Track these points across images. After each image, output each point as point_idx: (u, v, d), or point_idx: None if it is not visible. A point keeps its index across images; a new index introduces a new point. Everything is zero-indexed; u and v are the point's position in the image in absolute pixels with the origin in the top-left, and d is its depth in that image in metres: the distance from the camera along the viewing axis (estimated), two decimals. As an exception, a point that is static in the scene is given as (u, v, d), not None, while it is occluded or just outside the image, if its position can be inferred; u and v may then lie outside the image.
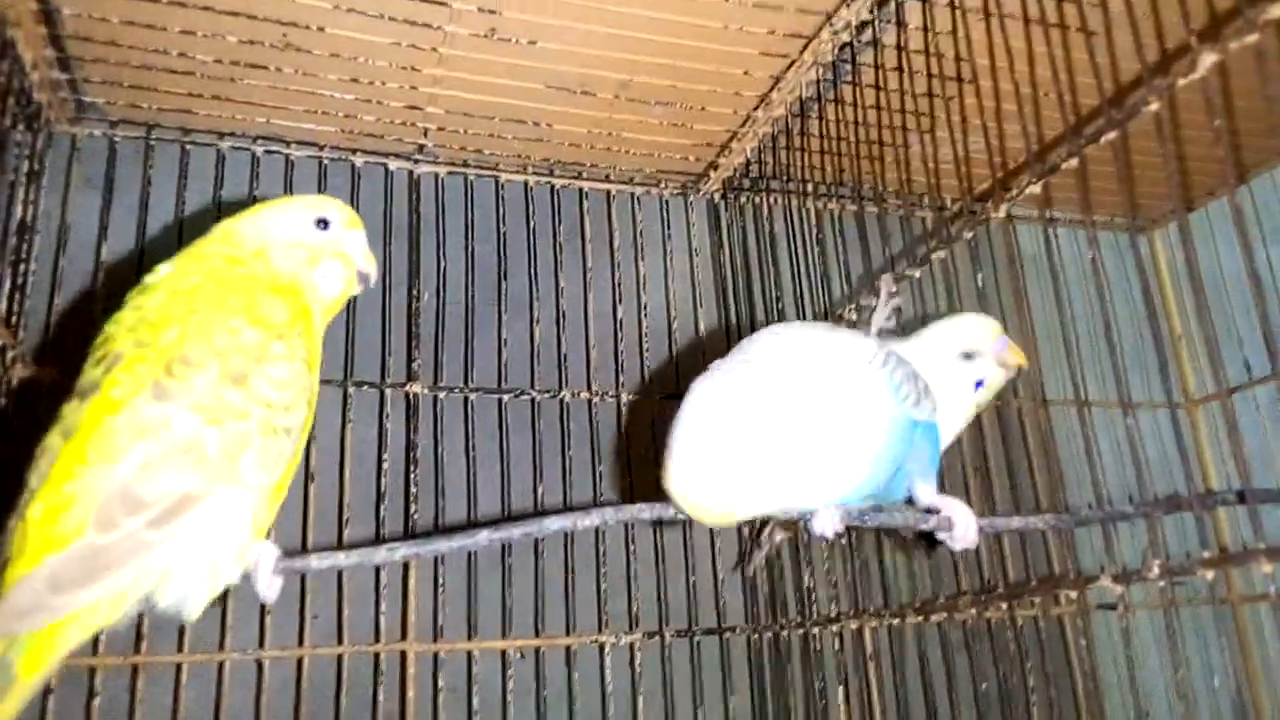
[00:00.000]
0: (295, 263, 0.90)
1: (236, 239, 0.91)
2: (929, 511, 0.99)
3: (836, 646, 1.64)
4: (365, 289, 0.98)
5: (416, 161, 1.81)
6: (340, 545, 1.53)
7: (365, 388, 1.65)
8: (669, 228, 1.99)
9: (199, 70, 1.52)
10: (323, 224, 0.93)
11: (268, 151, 1.71)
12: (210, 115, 1.64)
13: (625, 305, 1.90)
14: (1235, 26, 0.90)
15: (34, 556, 0.69)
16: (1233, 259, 2.02)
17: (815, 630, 1.72)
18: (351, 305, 1.65)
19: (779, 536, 1.48)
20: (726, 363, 0.93)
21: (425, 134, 1.75)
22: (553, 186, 1.90)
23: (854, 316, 1.57)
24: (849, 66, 1.59)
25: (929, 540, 1.06)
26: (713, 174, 1.96)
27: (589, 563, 1.68)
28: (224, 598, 0.83)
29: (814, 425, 0.85)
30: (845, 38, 1.55)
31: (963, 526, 0.96)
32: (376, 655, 1.52)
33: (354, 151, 1.77)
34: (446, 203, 1.81)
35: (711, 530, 1.82)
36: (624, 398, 1.82)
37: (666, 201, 2.00)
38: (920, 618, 1.36)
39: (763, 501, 0.85)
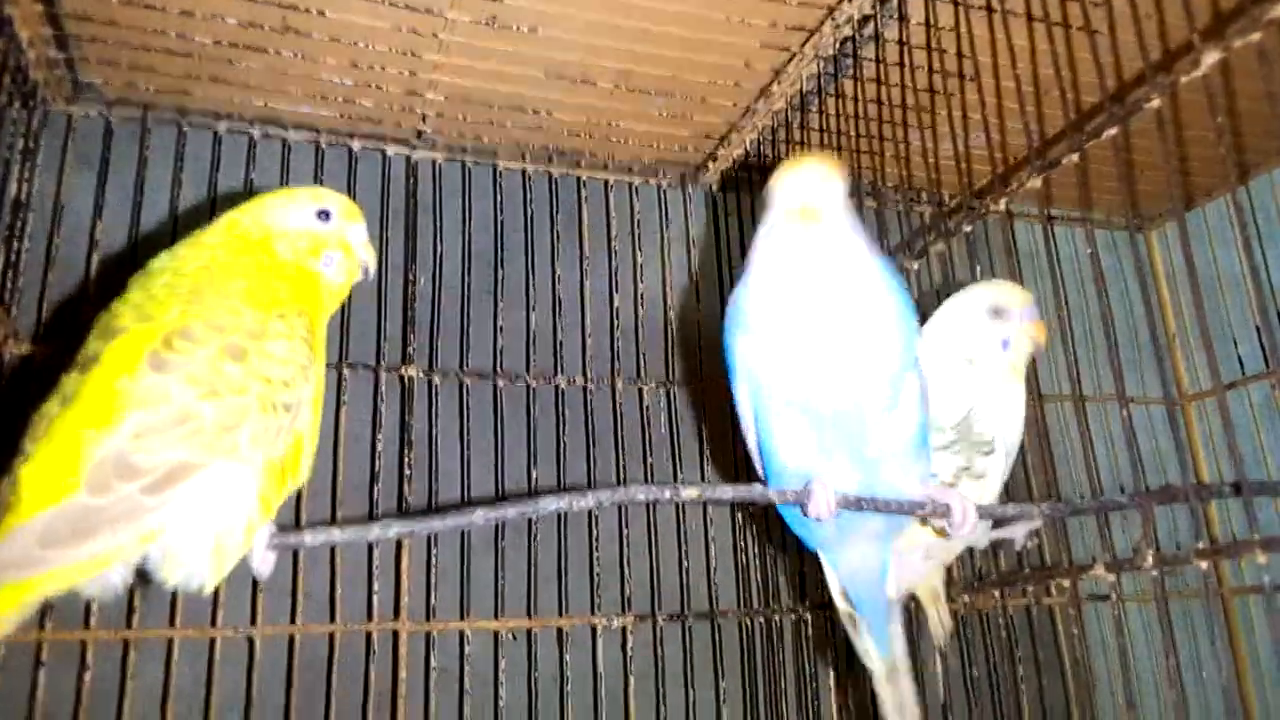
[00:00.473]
0: (298, 252, 0.92)
1: (240, 229, 0.92)
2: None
3: (828, 632, 1.65)
4: (365, 280, 1.00)
5: (414, 147, 1.80)
6: (334, 524, 1.53)
7: (361, 370, 1.65)
8: (666, 218, 1.99)
9: (197, 51, 1.52)
10: (324, 215, 0.95)
11: (265, 135, 1.71)
12: (208, 97, 1.64)
13: (621, 294, 1.90)
14: (1239, 25, 0.91)
15: (25, 512, 0.70)
16: (1228, 259, 2.04)
17: (807, 615, 1.73)
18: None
19: None
20: None
21: (424, 120, 1.75)
22: (551, 175, 1.90)
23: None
24: (850, 60, 1.59)
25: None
26: (711, 165, 1.96)
27: (582, 545, 1.69)
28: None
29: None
30: (847, 31, 1.55)
31: (959, 513, 0.96)
32: (369, 634, 1.52)
33: (352, 136, 1.76)
34: (444, 189, 1.81)
35: (705, 514, 1.83)
36: (619, 385, 1.82)
37: (664, 192, 2.00)
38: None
39: None
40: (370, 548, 1.56)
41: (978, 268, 1.33)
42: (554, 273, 1.86)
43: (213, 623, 1.46)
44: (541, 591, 1.64)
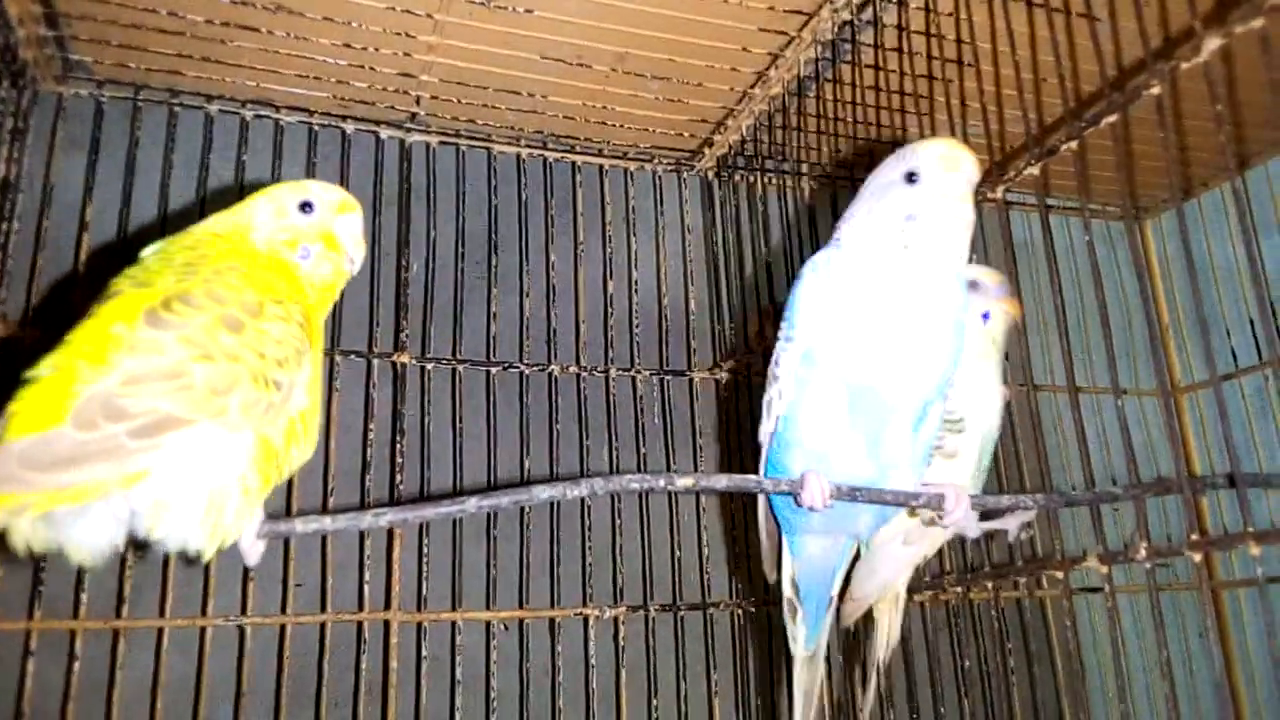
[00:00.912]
0: (272, 245, 0.92)
1: (223, 224, 0.93)
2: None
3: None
4: (352, 272, 0.98)
5: (408, 130, 1.79)
6: (326, 512, 1.52)
7: (352, 357, 1.64)
8: (662, 204, 1.98)
9: (189, 30, 1.50)
10: (306, 207, 0.94)
11: (257, 116, 1.69)
12: (199, 77, 1.62)
13: (616, 281, 1.89)
14: (1241, 10, 0.90)
15: (10, 435, 0.71)
16: (1223, 251, 2.04)
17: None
18: (340, 274, 1.64)
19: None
20: None
21: (418, 102, 1.73)
22: (545, 159, 1.89)
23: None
24: (848, 45, 1.58)
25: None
26: (707, 151, 1.95)
27: (574, 536, 1.68)
28: (205, 563, 0.83)
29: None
30: (845, 16, 1.54)
31: (953, 504, 0.96)
32: (360, 624, 1.52)
33: (345, 118, 1.74)
34: (438, 173, 1.79)
35: (698, 504, 1.82)
36: (613, 373, 1.81)
37: (660, 177, 1.99)
38: (905, 596, 1.37)
39: None
40: (362, 537, 1.55)
41: (974, 256, 1.32)
42: (548, 259, 1.85)
43: (203, 612, 1.45)
44: (534, 582, 1.64)
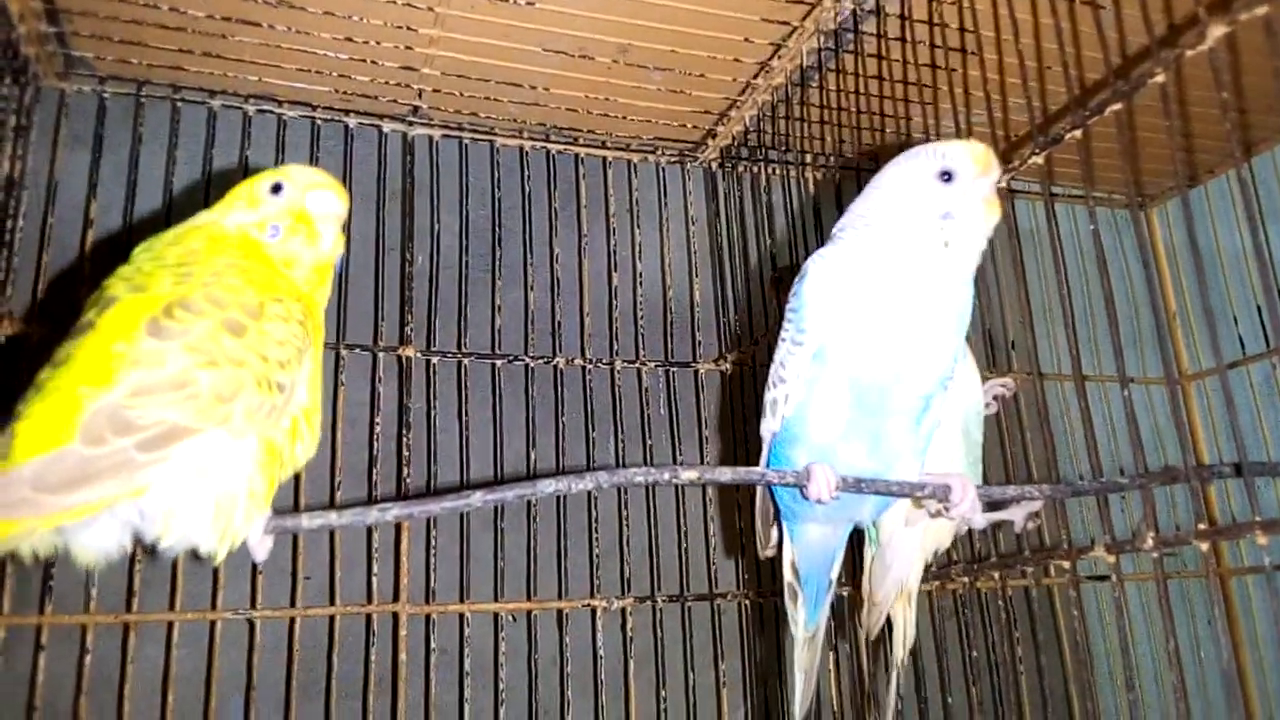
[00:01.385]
0: (244, 227, 0.91)
1: (204, 216, 0.93)
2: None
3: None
4: (330, 249, 0.94)
5: (411, 124, 1.79)
6: (332, 507, 1.52)
7: (357, 351, 1.64)
8: (665, 196, 1.98)
9: (190, 26, 1.50)
10: (276, 189, 0.93)
11: (260, 111, 1.69)
12: (202, 73, 1.62)
13: (620, 273, 1.89)
14: (1245, -1, 0.89)
15: (18, 459, 0.71)
16: (1229, 238, 2.03)
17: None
18: (344, 268, 1.64)
19: None
20: None
21: (420, 95, 1.73)
22: (548, 152, 1.88)
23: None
24: (851, 35, 1.57)
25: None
26: (711, 142, 1.94)
27: (581, 527, 1.69)
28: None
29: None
30: (849, 5, 1.53)
31: (959, 494, 0.96)
32: (369, 616, 1.52)
33: (347, 112, 1.74)
34: (441, 166, 1.79)
35: (704, 496, 1.82)
36: (618, 365, 1.81)
37: (663, 169, 1.99)
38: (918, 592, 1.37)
39: None
40: (369, 530, 1.55)
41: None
42: (552, 251, 1.85)
43: (213, 606, 1.46)
44: (541, 573, 1.64)
